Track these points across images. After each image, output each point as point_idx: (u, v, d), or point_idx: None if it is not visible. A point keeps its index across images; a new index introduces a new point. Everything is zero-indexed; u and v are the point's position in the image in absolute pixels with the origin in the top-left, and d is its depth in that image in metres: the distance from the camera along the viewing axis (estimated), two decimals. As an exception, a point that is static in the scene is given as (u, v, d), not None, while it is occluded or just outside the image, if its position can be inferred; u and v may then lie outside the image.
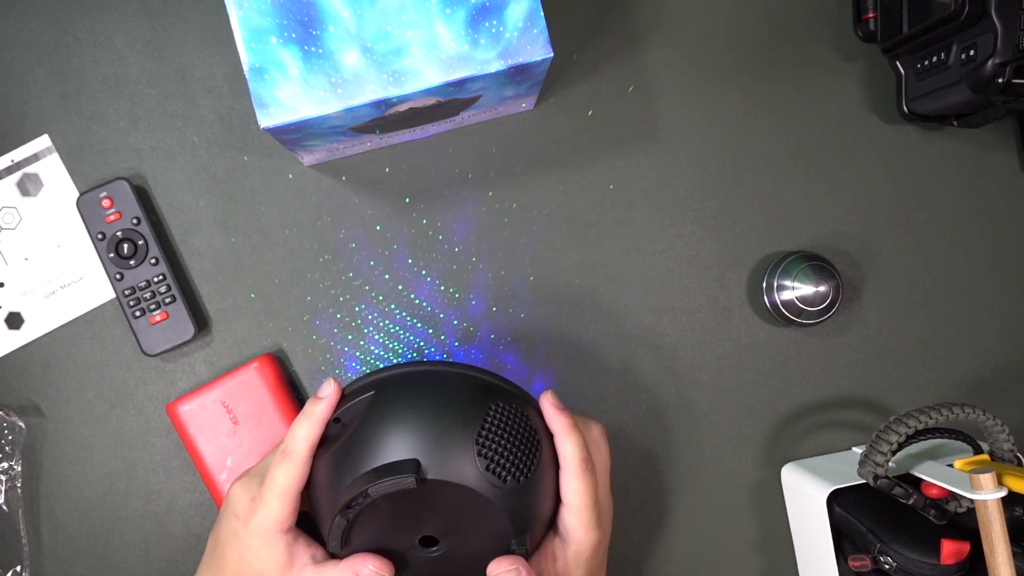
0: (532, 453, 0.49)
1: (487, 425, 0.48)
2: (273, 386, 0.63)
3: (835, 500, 0.63)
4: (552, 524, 0.52)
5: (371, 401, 0.50)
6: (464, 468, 0.46)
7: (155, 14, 0.65)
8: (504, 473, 0.47)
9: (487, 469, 0.47)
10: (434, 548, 0.50)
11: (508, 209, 0.67)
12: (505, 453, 0.47)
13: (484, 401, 0.49)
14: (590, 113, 0.67)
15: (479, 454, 0.47)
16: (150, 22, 0.65)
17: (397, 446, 0.47)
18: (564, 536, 0.51)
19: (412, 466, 0.46)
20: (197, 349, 0.65)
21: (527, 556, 0.48)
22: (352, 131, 0.58)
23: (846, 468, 0.62)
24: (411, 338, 0.66)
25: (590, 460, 0.51)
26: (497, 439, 0.48)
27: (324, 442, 0.50)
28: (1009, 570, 0.52)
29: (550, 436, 0.51)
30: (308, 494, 0.51)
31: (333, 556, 0.50)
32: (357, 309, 0.66)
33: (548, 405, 0.51)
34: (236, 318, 0.65)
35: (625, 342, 0.67)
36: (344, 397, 0.52)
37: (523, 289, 0.67)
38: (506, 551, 0.48)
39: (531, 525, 0.49)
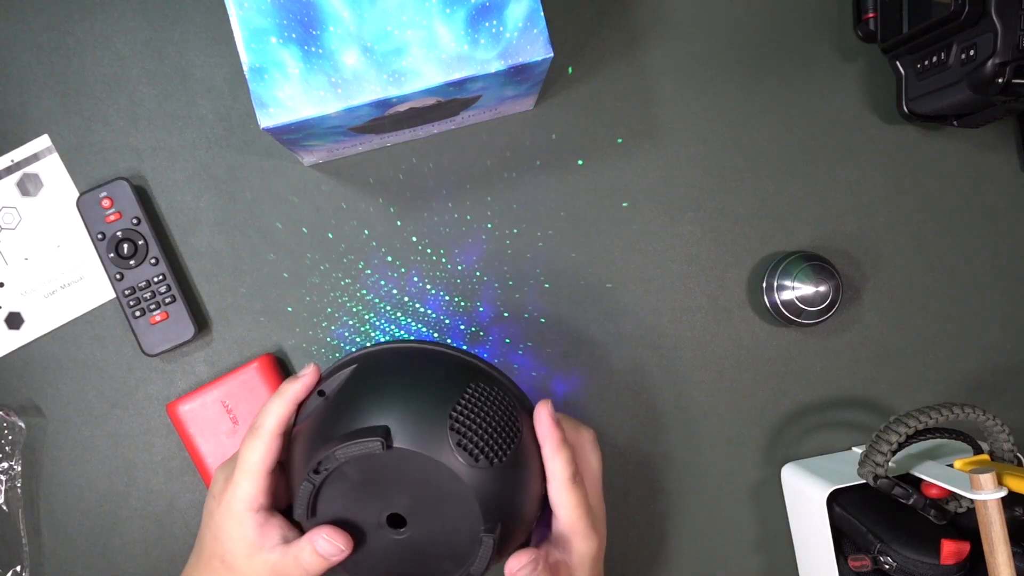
0: (509, 438, 0.48)
1: (464, 401, 0.47)
2: (273, 386, 0.62)
3: (835, 500, 0.63)
4: (531, 527, 0.51)
5: (351, 373, 0.50)
6: (435, 440, 0.45)
7: (155, 14, 0.65)
8: (477, 451, 0.46)
9: (458, 444, 0.46)
10: (402, 530, 0.48)
11: (508, 209, 0.67)
12: (480, 432, 0.46)
13: (465, 379, 0.49)
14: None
15: (452, 428, 0.46)
16: (150, 22, 0.65)
17: (370, 415, 0.46)
18: (564, 548, 0.51)
19: (381, 432, 0.45)
20: (197, 349, 0.65)
21: (494, 545, 0.46)
22: (352, 131, 0.58)
23: (846, 468, 0.62)
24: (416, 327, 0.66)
25: (578, 473, 0.50)
26: (473, 417, 0.47)
27: (306, 417, 0.50)
28: (1009, 570, 0.52)
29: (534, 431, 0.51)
30: (289, 475, 0.51)
31: (302, 530, 0.50)
32: (363, 293, 0.66)
33: (544, 415, 0.50)
34: (236, 318, 0.65)
35: (625, 342, 0.67)
36: (330, 371, 0.51)
37: (521, 289, 0.67)
38: (474, 540, 0.47)
39: (504, 516, 0.47)
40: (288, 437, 0.51)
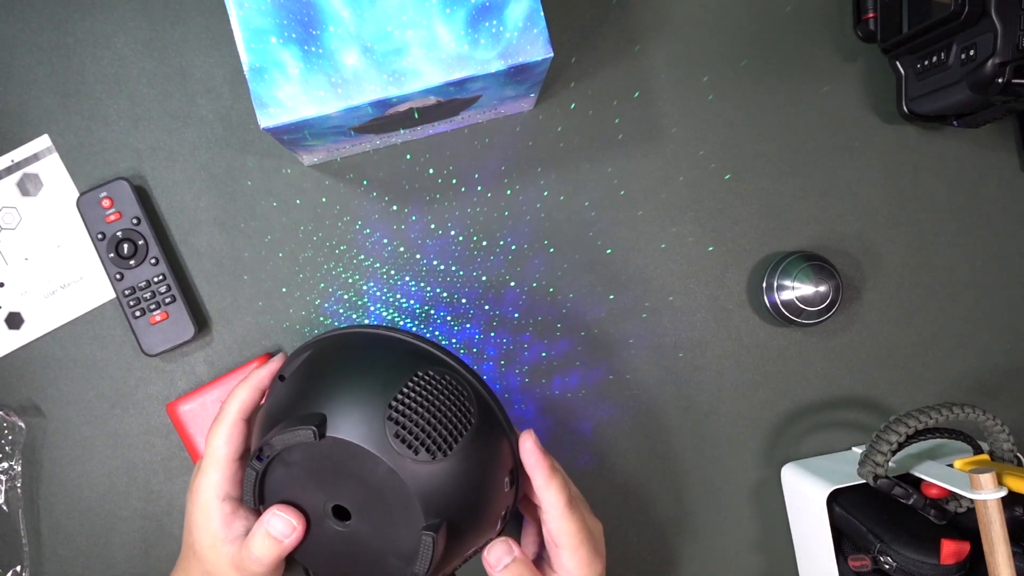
0: (457, 431, 0.45)
1: (407, 391, 0.45)
2: (273, 386, 0.62)
3: (835, 500, 0.63)
4: (494, 524, 0.49)
5: (305, 359, 0.49)
6: (371, 431, 0.44)
7: (155, 14, 0.65)
8: (417, 444, 0.44)
9: (396, 436, 0.44)
10: (347, 522, 0.47)
11: (508, 209, 0.67)
12: (422, 424, 0.44)
13: (412, 367, 0.46)
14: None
15: (390, 418, 0.44)
16: (150, 22, 0.65)
17: (313, 402, 0.45)
18: (569, 574, 0.50)
19: (315, 420, 0.44)
20: (197, 349, 0.65)
21: (434, 545, 0.44)
22: (352, 131, 0.58)
23: (846, 468, 0.62)
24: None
25: (573, 498, 0.49)
26: (416, 407, 0.45)
27: (266, 401, 0.50)
28: (1009, 570, 0.52)
29: (501, 431, 0.49)
30: None
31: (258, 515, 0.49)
32: (361, 299, 0.66)
33: (529, 445, 0.49)
34: (236, 318, 0.65)
35: (625, 342, 0.67)
36: (292, 356, 0.51)
37: (520, 289, 0.67)
38: (418, 537, 0.45)
39: (452, 512, 0.45)
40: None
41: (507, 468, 0.49)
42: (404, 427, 0.44)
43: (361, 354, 0.48)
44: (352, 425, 0.44)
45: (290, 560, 0.50)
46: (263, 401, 0.52)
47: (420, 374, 0.46)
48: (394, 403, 0.45)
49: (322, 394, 0.46)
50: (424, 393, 0.46)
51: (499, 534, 0.50)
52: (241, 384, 0.51)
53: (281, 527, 0.46)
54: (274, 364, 0.52)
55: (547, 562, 0.51)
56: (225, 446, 0.50)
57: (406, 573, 0.46)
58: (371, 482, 0.45)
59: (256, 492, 0.47)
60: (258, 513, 0.48)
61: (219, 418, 0.50)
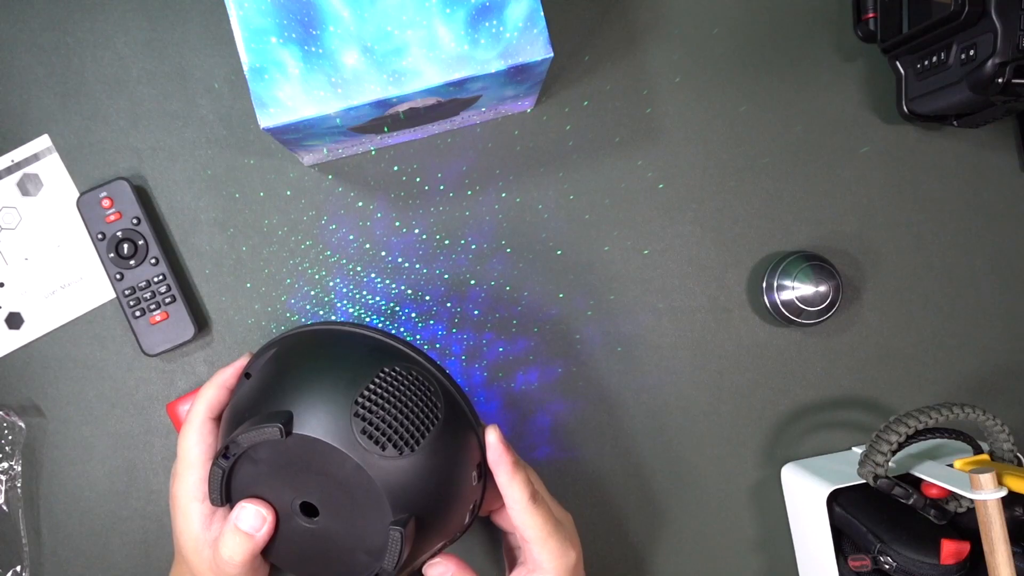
0: (424, 426, 0.46)
1: (373, 387, 0.45)
2: (273, 386, 0.62)
3: (835, 500, 0.63)
4: (462, 519, 0.49)
5: (271, 356, 0.49)
6: (337, 428, 0.44)
7: (155, 14, 0.65)
8: (384, 440, 0.44)
9: (363, 432, 0.44)
10: (315, 519, 0.47)
11: (508, 209, 0.67)
12: (388, 419, 0.45)
13: (378, 363, 0.47)
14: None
15: (356, 415, 0.44)
16: (150, 22, 0.65)
17: (279, 399, 0.45)
18: (542, 568, 0.50)
19: (282, 418, 0.44)
20: (197, 349, 0.65)
21: (402, 540, 0.44)
22: (352, 131, 0.58)
23: (846, 468, 0.62)
24: (405, 326, 0.66)
25: (537, 492, 0.49)
26: (383, 403, 0.45)
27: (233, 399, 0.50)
28: (1009, 570, 0.52)
29: (468, 426, 0.49)
30: None
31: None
32: (362, 293, 0.66)
33: (493, 440, 0.49)
34: (236, 318, 0.65)
35: (625, 342, 0.67)
36: (259, 352, 0.51)
37: (523, 288, 0.67)
38: (386, 533, 0.45)
39: (419, 508, 0.45)
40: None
41: (474, 462, 0.49)
42: (371, 423, 0.44)
43: (327, 351, 0.48)
44: (319, 422, 0.44)
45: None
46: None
47: (387, 370, 0.46)
48: (360, 399, 0.45)
49: (288, 391, 0.46)
50: (390, 389, 0.46)
51: (467, 527, 0.51)
52: (208, 384, 0.51)
53: (251, 520, 0.46)
54: (240, 362, 0.52)
55: (523, 563, 0.51)
56: (197, 447, 0.50)
57: (375, 568, 0.46)
58: (338, 478, 0.45)
59: (222, 490, 0.47)
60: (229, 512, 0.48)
61: (188, 420, 0.50)
